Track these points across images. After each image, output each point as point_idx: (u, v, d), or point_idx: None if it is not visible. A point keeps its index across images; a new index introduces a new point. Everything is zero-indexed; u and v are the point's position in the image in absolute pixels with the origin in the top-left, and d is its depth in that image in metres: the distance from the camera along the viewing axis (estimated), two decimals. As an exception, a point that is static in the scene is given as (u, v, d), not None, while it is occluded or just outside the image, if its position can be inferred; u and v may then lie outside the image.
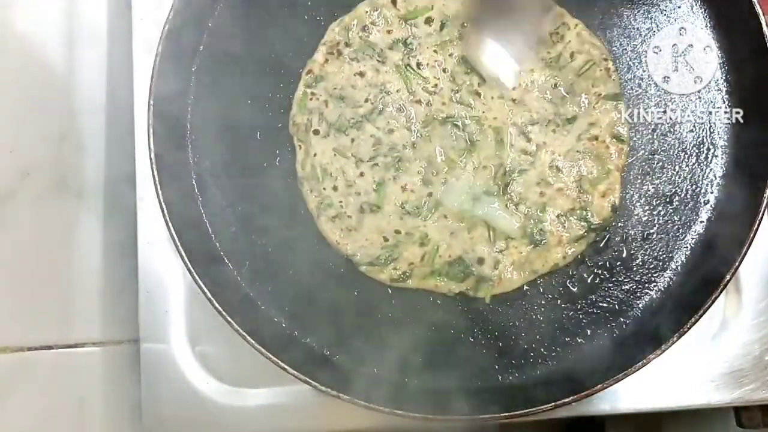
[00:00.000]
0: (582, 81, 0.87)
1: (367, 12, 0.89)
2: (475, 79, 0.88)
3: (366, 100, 0.88)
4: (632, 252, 0.85)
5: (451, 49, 0.89)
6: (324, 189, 0.86)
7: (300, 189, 0.87)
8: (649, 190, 0.86)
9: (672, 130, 0.87)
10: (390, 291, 0.86)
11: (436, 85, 0.88)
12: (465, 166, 0.86)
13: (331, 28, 0.89)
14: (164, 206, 0.80)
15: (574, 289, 0.84)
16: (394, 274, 0.85)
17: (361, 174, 0.87)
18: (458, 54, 0.89)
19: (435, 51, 0.89)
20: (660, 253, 0.84)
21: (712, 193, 0.85)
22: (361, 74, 0.88)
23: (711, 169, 0.86)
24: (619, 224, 0.85)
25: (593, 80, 0.87)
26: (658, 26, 0.88)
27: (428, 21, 0.89)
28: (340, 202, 0.86)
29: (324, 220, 0.86)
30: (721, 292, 0.76)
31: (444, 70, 0.89)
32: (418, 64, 0.88)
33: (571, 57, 0.88)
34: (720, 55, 0.87)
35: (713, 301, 0.76)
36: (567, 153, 0.86)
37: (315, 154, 0.87)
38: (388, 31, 0.89)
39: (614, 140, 0.86)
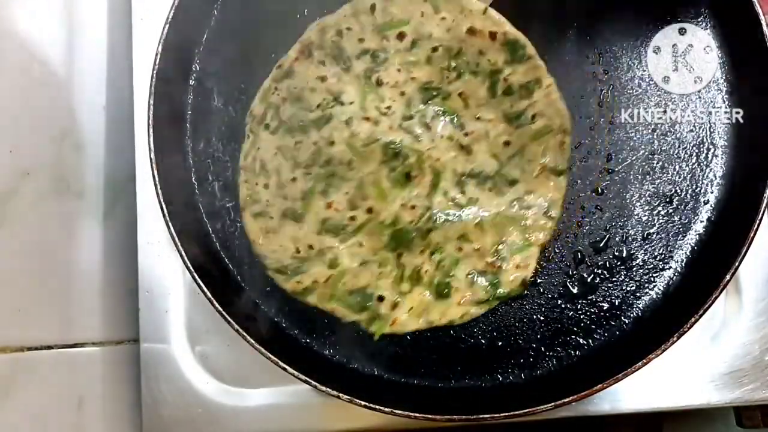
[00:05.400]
0: (534, 146, 0.84)
1: (345, 16, 0.86)
2: (430, 112, 0.85)
3: (318, 106, 0.85)
4: (632, 252, 0.85)
5: (416, 72, 0.85)
6: (257, 184, 0.86)
7: (236, 178, 0.86)
8: (649, 190, 0.86)
9: (672, 130, 0.87)
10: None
11: (389, 107, 0.85)
12: (393, 200, 0.83)
13: (310, 27, 0.87)
14: (164, 206, 0.80)
15: (574, 289, 0.84)
16: (297, 287, 0.83)
17: (294, 179, 0.85)
18: (420, 80, 0.85)
19: (399, 70, 0.85)
20: (660, 253, 0.84)
21: (712, 193, 0.85)
22: (323, 79, 0.85)
23: (711, 169, 0.86)
24: (619, 224, 0.85)
25: (545, 148, 0.84)
26: (658, 26, 0.88)
27: (401, 36, 0.86)
28: (267, 201, 0.85)
29: (248, 214, 0.85)
30: (721, 292, 0.76)
31: (402, 94, 0.85)
32: (378, 81, 0.85)
33: (532, 119, 0.84)
34: (720, 55, 0.87)
35: (713, 301, 0.76)
36: (496, 215, 0.83)
37: (259, 148, 0.86)
38: (360, 40, 0.86)
39: (544, 216, 0.84)
